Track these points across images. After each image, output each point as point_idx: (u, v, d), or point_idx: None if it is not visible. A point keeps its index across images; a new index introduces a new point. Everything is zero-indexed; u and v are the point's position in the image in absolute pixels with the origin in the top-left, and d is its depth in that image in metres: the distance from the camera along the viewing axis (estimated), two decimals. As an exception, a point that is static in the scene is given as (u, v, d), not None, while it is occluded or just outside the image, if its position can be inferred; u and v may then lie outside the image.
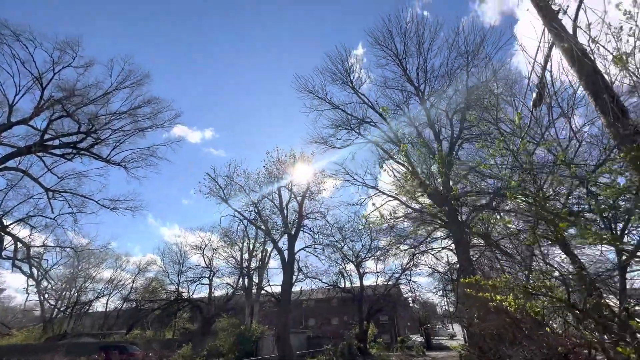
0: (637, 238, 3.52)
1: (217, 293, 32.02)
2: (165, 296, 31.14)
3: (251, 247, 27.01)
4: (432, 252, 17.19)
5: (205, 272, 31.22)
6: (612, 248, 3.46)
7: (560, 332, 3.85)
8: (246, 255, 28.10)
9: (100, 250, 32.36)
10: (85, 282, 35.48)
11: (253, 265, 27.61)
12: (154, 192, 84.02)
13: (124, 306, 35.81)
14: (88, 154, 20.51)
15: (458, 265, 13.39)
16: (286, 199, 19.92)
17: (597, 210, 2.86)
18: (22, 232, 26.84)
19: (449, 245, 15.92)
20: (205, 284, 31.02)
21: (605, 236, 3.39)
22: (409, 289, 25.50)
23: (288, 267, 17.84)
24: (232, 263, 28.74)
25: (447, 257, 18.96)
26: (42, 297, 31.53)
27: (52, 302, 33.23)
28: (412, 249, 17.70)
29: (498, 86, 11.39)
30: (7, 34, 18.25)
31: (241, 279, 27.98)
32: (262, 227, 19.16)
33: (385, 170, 18.55)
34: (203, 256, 30.96)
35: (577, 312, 3.67)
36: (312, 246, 20.98)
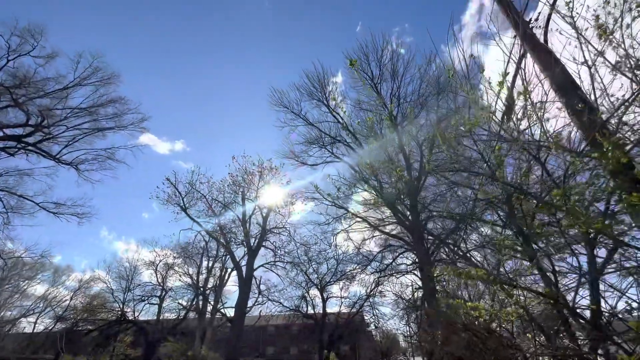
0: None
1: (169, 315, 29.32)
2: (106, 316, 27.92)
3: (210, 264, 25.28)
4: (398, 276, 16.91)
5: (156, 291, 28.63)
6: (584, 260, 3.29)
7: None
8: (204, 274, 26.22)
9: (36, 260, 28.81)
10: (12, 297, 31.07)
11: (211, 284, 25.73)
12: (111, 203, 78.00)
13: (55, 326, 31.56)
14: (35, 149, 18.60)
15: (422, 291, 13.14)
16: (250, 210, 19.05)
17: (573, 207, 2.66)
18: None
19: (414, 270, 15.74)
20: (155, 304, 28.32)
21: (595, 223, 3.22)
22: (372, 317, 24.83)
23: (245, 284, 16.60)
24: (187, 281, 26.64)
25: (412, 284, 18.82)
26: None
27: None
28: (378, 273, 17.32)
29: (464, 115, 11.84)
30: (-42, 13, 16.74)
31: (196, 300, 25.84)
32: (222, 239, 17.95)
33: (355, 193, 18.50)
34: (156, 273, 28.48)
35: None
36: (274, 262, 19.93)
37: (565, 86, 3.24)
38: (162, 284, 28.35)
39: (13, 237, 31.75)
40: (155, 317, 28.41)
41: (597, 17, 3.06)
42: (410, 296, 16.66)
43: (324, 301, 25.15)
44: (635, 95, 2.84)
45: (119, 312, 27.42)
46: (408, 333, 17.37)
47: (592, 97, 3.03)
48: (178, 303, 27.05)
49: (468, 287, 7.18)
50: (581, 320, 3.08)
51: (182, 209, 16.96)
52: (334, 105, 16.47)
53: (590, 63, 2.97)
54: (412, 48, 23.25)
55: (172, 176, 18.46)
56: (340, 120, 16.68)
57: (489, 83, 3.88)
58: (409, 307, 16.78)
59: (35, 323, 33.38)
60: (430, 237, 15.63)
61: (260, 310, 25.84)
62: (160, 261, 28.48)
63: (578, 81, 3.27)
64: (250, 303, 23.66)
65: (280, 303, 24.50)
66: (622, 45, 2.86)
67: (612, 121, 3.02)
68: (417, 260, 15.71)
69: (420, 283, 15.54)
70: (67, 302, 33.75)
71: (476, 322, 4.30)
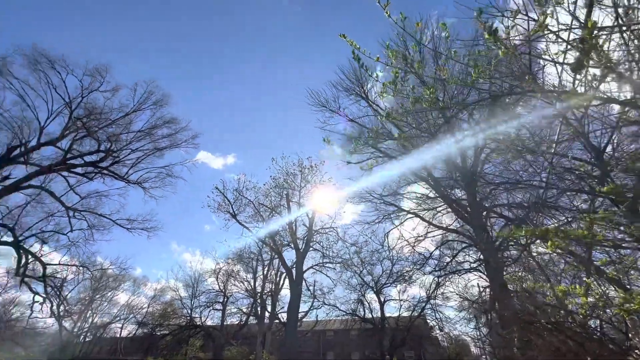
0: None
1: (231, 320, 30.76)
2: (177, 322, 30.17)
3: (265, 269, 25.88)
4: (460, 275, 15.36)
5: (219, 297, 30.18)
6: None
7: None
8: (260, 280, 26.96)
9: (120, 272, 32.42)
10: (101, 305, 35.35)
11: (267, 289, 26.30)
12: (177, 219, 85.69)
13: (138, 331, 35.04)
14: (107, 172, 20.90)
15: (490, 290, 11.64)
16: (295, 212, 18.99)
17: None
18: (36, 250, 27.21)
19: (479, 266, 14.13)
20: (218, 310, 29.83)
21: None
22: (436, 320, 23.07)
23: (295, 286, 16.47)
24: (246, 287, 27.61)
25: (478, 284, 16.99)
26: (59, 320, 31.41)
27: (68, 324, 33.03)
28: (438, 272, 15.95)
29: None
30: (43, 62, 19.65)
31: (254, 305, 26.62)
32: (271, 243, 18.16)
33: (403, 187, 17.41)
34: (217, 280, 30.07)
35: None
36: (322, 264, 19.57)
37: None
38: (223, 291, 29.81)
39: (94, 251, 36.20)
40: (219, 323, 29.92)
41: None
42: (477, 296, 14.97)
43: (382, 304, 24.10)
44: None
45: (188, 318, 29.40)
46: (478, 337, 15.64)
47: None
48: (238, 309, 28.15)
49: (549, 281, 5.97)
50: None
51: (232, 216, 17.58)
52: (374, 99, 15.78)
53: None
54: (455, 26, 21.50)
55: (220, 185, 19.35)
56: (381, 112, 15.90)
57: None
58: (476, 308, 15.10)
59: (121, 328, 37.49)
60: (494, 230, 13.96)
61: (317, 315, 25.68)
62: (220, 269, 30.05)
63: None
64: (305, 308, 23.64)
65: (336, 307, 24.06)
66: None
67: None
68: (481, 256, 14.11)
69: (486, 281, 13.87)
70: (145, 309, 37.38)
71: (569, 319, 3.36)
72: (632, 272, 2.72)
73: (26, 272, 19.19)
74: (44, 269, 20.69)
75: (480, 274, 14.34)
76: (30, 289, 19.96)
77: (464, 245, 14.88)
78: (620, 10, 2.46)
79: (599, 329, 3.57)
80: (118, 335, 37.28)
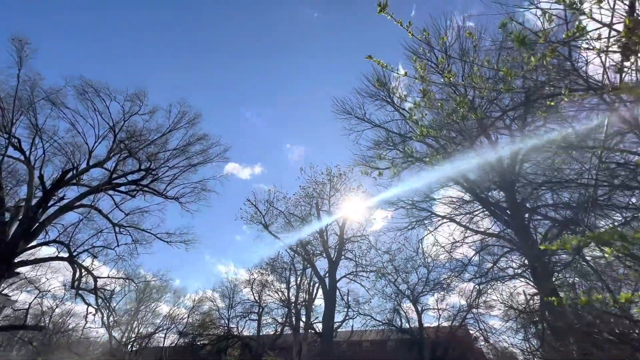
0: None
1: (267, 330, 31.10)
2: (215, 332, 31.00)
3: (299, 280, 26.01)
4: (503, 281, 14.47)
5: (255, 307, 30.67)
6: None
7: None
8: (294, 290, 27.12)
9: (161, 283, 34.14)
10: (146, 316, 37.21)
11: (301, 299, 26.37)
12: (209, 231, 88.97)
13: (179, 341, 36.41)
14: (148, 189, 22.28)
15: (538, 297, 10.85)
16: (326, 220, 19.03)
17: None
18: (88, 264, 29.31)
19: (524, 272, 13.24)
20: (254, 320, 30.30)
21: None
22: (479, 331, 21.79)
23: (329, 296, 16.34)
24: (280, 297, 27.86)
25: (524, 292, 15.85)
26: (109, 329, 33.48)
27: (117, 334, 35.08)
28: (478, 279, 15.15)
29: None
30: (90, 91, 21.60)
31: (289, 315, 26.75)
32: (302, 253, 18.28)
33: (436, 191, 16.88)
34: (252, 290, 30.64)
35: None
36: (356, 273, 19.29)
37: None
38: (258, 301, 30.29)
39: (138, 264, 38.39)
40: (255, 333, 30.36)
41: None
42: (524, 305, 13.97)
43: (419, 314, 23.24)
44: None
45: (226, 328, 30.14)
46: (528, 349, 14.52)
47: None
48: (273, 319, 28.41)
49: (608, 288, 5.50)
50: None
51: (264, 227, 18.01)
52: (399, 102, 15.60)
53: None
54: (482, 22, 20.78)
55: (252, 197, 19.94)
56: (407, 116, 15.65)
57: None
58: (524, 317, 14.07)
59: (164, 338, 39.15)
60: (539, 233, 13.06)
61: (352, 325, 25.27)
62: (254, 279, 30.64)
63: None
64: (340, 318, 23.37)
65: (372, 317, 23.53)
66: None
67: None
68: (525, 261, 13.23)
69: (533, 288, 12.93)
70: (186, 319, 38.83)
71: (636, 332, 3.06)
72: None
73: (80, 285, 20.71)
74: (95, 281, 22.28)
75: (527, 280, 13.41)
76: (84, 301, 21.50)
77: (505, 250, 14.05)
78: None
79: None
80: (161, 345, 38.96)
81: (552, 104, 2.68)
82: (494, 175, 13.68)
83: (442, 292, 22.53)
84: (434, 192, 16.59)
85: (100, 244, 23.73)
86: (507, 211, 12.95)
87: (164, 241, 24.03)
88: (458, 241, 14.87)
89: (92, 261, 23.74)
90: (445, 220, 15.49)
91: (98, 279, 22.79)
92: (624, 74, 3.21)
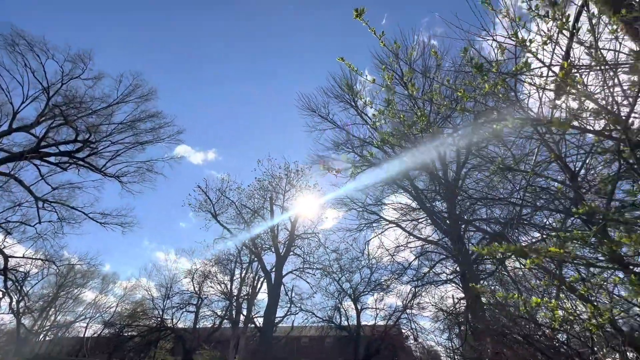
0: None
1: (205, 323, 29.96)
2: (147, 323, 29.04)
3: (244, 273, 25.46)
4: (437, 286, 15.70)
5: (193, 299, 29.36)
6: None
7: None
8: (238, 283, 26.47)
9: (88, 268, 30.98)
10: (66, 302, 33.55)
11: (244, 293, 25.85)
12: (151, 213, 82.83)
13: (104, 331, 33.46)
14: (83, 163, 20.09)
15: (465, 301, 11.97)
16: (278, 216, 18.91)
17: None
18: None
19: (455, 278, 14.50)
20: (192, 312, 29.02)
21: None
22: (411, 330, 23.37)
23: (273, 290, 16.30)
24: (222, 290, 27.01)
25: (453, 296, 17.38)
26: (18, 316, 29.56)
27: (27, 322, 31.13)
28: (415, 282, 16.24)
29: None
30: (22, 44, 18.77)
31: (229, 308, 26.08)
32: (251, 246, 17.96)
33: (386, 197, 17.71)
34: (193, 281, 29.28)
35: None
36: (302, 269, 19.51)
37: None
38: (198, 293, 29.04)
39: (62, 245, 34.48)
40: (192, 325, 29.08)
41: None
42: (452, 307, 15.33)
43: (358, 312, 24.18)
44: None
45: (159, 319, 28.40)
46: (451, 348, 15.97)
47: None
48: (212, 311, 27.49)
49: (521, 295, 6.21)
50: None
51: (213, 216, 17.30)
52: (362, 107, 16.06)
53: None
54: (445, 43, 22.28)
55: (203, 184, 19.03)
56: (369, 122, 16.20)
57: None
58: (451, 319, 15.46)
59: (86, 328, 35.67)
60: (471, 244, 14.39)
61: (293, 321, 25.47)
62: (196, 269, 29.31)
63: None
64: (282, 313, 23.42)
65: (313, 313, 23.94)
66: None
67: None
68: (457, 268, 14.51)
69: (461, 293, 14.25)
70: (114, 308, 35.80)
71: (539, 333, 3.53)
72: (600, 289, 2.92)
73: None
74: (6, 261, 19.52)
75: (457, 285, 14.71)
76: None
77: (441, 256, 15.26)
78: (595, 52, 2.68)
79: (566, 343, 3.77)
80: (82, 335, 35.44)
81: (498, 128, 3.00)
82: (439, 187, 14.75)
83: (381, 293, 23.71)
84: (385, 197, 17.40)
85: (18, 219, 20.86)
86: (447, 221, 14.05)
87: (97, 222, 21.90)
88: (401, 245, 15.79)
89: (5, 237, 20.79)
90: (392, 225, 16.33)
91: (10, 259, 20.02)
92: (555, 110, 3.68)
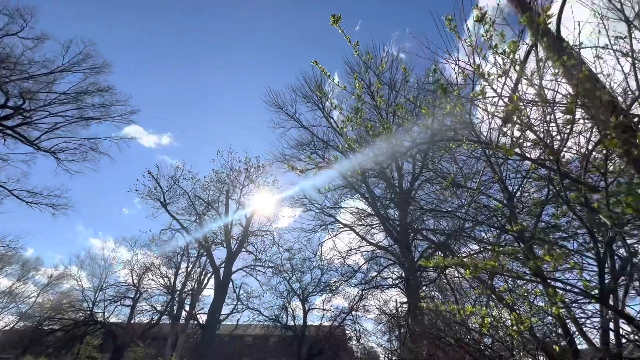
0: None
1: (142, 319, 27.90)
2: (74, 316, 26.34)
3: (189, 266, 24.24)
4: (382, 290, 16.41)
5: (131, 292, 27.28)
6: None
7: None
8: (183, 277, 25.14)
9: (6, 252, 27.23)
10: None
11: (189, 287, 24.62)
12: (90, 196, 75.34)
13: (18, 324, 29.67)
14: (12, 132, 17.70)
15: (407, 305, 12.66)
16: (233, 210, 18.39)
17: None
18: None
19: (400, 283, 15.28)
20: (128, 305, 26.93)
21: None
22: (354, 332, 24.10)
23: (221, 287, 15.78)
24: (165, 283, 25.46)
25: (396, 300, 18.30)
26: None
27: None
28: (362, 285, 16.81)
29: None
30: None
31: (171, 303, 24.64)
32: (201, 239, 17.19)
33: (344, 201, 18.12)
34: (132, 273, 27.20)
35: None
36: (254, 267, 19.17)
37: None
38: (137, 285, 27.05)
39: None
40: (126, 320, 26.99)
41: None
42: (394, 311, 16.15)
43: (305, 313, 24.34)
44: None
45: (88, 313, 25.93)
46: (390, 349, 16.79)
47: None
48: (151, 306, 25.76)
49: (458, 302, 6.75)
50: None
51: (162, 205, 16.24)
52: (330, 110, 16.28)
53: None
54: (412, 59, 23.49)
55: (154, 170, 17.80)
56: (334, 125, 16.44)
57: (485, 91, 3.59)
58: (392, 322, 16.26)
59: (-5, 319, 31.33)
60: (418, 251, 15.28)
61: (238, 319, 24.86)
62: (137, 261, 27.29)
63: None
64: (228, 310, 22.74)
65: (260, 312, 23.60)
66: None
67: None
68: (403, 274, 15.31)
69: (404, 298, 15.07)
70: (34, 298, 31.95)
71: (468, 338, 3.88)
72: (523, 300, 3.31)
73: None
74: None
75: (401, 290, 15.51)
76: None
77: (390, 262, 15.98)
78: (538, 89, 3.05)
79: (490, 347, 4.18)
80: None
81: (453, 146, 3.26)
82: (395, 195, 15.46)
83: (330, 294, 24.14)
84: (343, 201, 17.78)
85: None
86: (398, 228, 14.77)
87: (23, 201, 19.40)
88: (354, 249, 16.25)
89: None
90: (346, 229, 16.73)
91: None
92: (502, 136, 4.08)
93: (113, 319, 27.50)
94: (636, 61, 2.71)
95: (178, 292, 23.71)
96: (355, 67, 16.09)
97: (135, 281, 27.11)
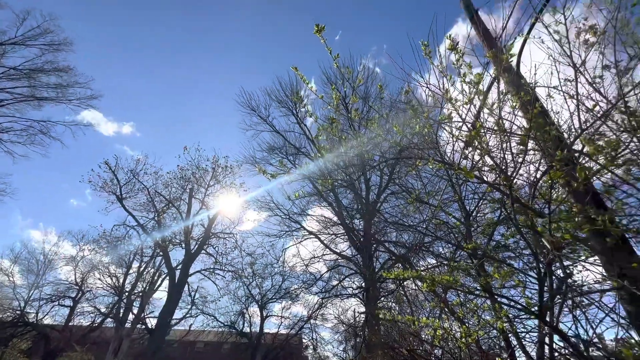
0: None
1: (82, 321, 25.56)
2: (0, 316, 23.53)
3: (142, 266, 22.74)
4: (342, 299, 16.54)
5: (72, 291, 25.00)
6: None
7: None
8: (133, 277, 23.50)
9: None
10: None
11: (139, 289, 23.04)
12: (33, 184, 68.58)
13: None
14: (-54, 106, 15.76)
15: (364, 315, 12.87)
16: (196, 210, 17.64)
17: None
18: None
19: (359, 293, 15.51)
20: (67, 306, 24.61)
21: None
22: (311, 340, 23.91)
23: (175, 290, 14.98)
24: (114, 283, 23.62)
25: (355, 310, 18.50)
26: None
27: None
28: (323, 294, 16.84)
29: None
30: None
31: (117, 305, 22.86)
32: (158, 239, 16.26)
33: (310, 208, 18.18)
34: (75, 270, 24.97)
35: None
36: (212, 270, 18.45)
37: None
38: (79, 284, 24.85)
39: None
40: (64, 322, 24.62)
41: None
42: (352, 321, 16.32)
43: (262, 319, 23.80)
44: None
45: (18, 312, 23.32)
46: (346, 358, 16.87)
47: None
48: (94, 307, 23.76)
49: (413, 314, 7.00)
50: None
51: (118, 199, 15.16)
52: (303, 116, 16.35)
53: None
54: (386, 76, 24.48)
55: (113, 161, 16.62)
56: (307, 133, 16.54)
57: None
58: (349, 331, 16.40)
59: None
60: (379, 262, 15.66)
61: (191, 324, 23.68)
62: (82, 257, 25.13)
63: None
64: (181, 315, 21.61)
65: (215, 317, 22.67)
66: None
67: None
68: (363, 284, 15.58)
69: (363, 307, 15.31)
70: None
71: (420, 349, 4.03)
72: (473, 314, 3.53)
73: None
74: None
75: (360, 300, 15.73)
76: None
77: (351, 272, 16.19)
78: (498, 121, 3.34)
79: (440, 358, 4.38)
80: None
81: (419, 165, 3.46)
82: (361, 206, 15.79)
83: (289, 301, 23.84)
84: (310, 208, 17.81)
85: None
86: (362, 239, 15.06)
87: (-49, 183, 17.24)
88: (317, 257, 16.28)
89: None
90: (312, 236, 16.75)
91: None
92: (463, 159, 4.37)
93: (48, 320, 24.96)
94: (580, 103, 3.06)
95: (127, 294, 22.10)
96: (332, 78, 16.42)
97: (79, 279, 24.90)
